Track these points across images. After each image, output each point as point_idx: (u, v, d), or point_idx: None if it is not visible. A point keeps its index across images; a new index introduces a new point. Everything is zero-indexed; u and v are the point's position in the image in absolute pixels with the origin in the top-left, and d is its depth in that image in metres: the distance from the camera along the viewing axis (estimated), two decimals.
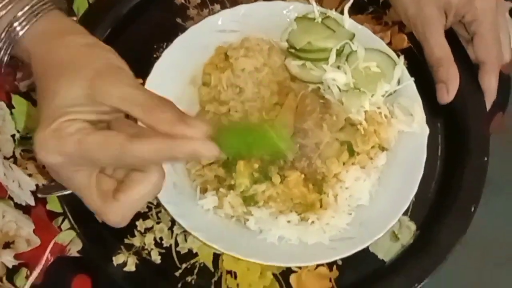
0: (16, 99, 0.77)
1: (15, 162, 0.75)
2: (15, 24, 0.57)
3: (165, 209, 0.68)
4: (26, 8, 0.57)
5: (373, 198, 0.72)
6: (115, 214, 0.54)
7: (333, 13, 0.78)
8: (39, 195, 0.72)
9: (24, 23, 0.57)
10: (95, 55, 0.55)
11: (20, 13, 0.57)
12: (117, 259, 0.69)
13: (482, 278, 1.47)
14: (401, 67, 0.75)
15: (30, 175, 0.74)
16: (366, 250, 0.72)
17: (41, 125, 0.52)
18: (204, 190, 0.70)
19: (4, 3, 0.57)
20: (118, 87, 0.52)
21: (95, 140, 0.51)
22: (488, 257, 1.47)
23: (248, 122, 0.69)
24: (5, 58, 0.59)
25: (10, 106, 0.77)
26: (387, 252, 0.73)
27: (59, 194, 0.66)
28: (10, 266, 0.73)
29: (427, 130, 0.73)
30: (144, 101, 0.51)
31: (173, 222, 0.72)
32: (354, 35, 0.75)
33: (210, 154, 0.51)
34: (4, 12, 0.57)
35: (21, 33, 0.57)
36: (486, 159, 0.76)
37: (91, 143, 0.51)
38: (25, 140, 0.76)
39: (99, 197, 0.54)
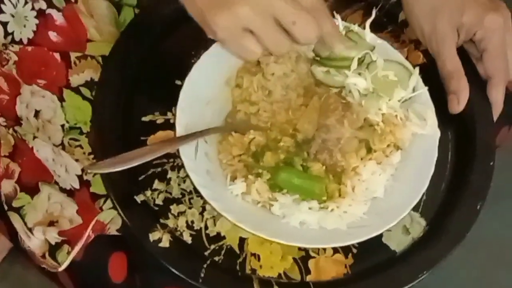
0: (67, 93, 0.84)
1: (63, 149, 0.82)
2: None
3: (199, 193, 0.75)
4: None
5: (388, 191, 0.78)
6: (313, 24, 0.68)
7: (355, 28, 0.85)
8: (89, 171, 0.79)
9: None
10: None
11: None
12: (153, 236, 0.75)
13: (486, 277, 1.52)
14: (416, 76, 0.82)
15: (77, 160, 0.81)
16: (379, 241, 0.78)
17: None
18: (234, 178, 0.76)
19: None
20: None
21: None
22: (492, 258, 1.52)
23: (308, 174, 0.77)
24: None
25: (61, 100, 0.84)
26: (398, 244, 0.78)
27: (106, 171, 0.73)
28: (53, 243, 0.80)
29: (438, 133, 0.80)
30: None
31: (204, 207, 0.78)
32: (374, 47, 0.83)
33: None
34: None
35: None
36: (492, 163, 0.82)
37: None
38: (73, 130, 0.84)
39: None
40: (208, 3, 0.67)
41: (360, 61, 0.82)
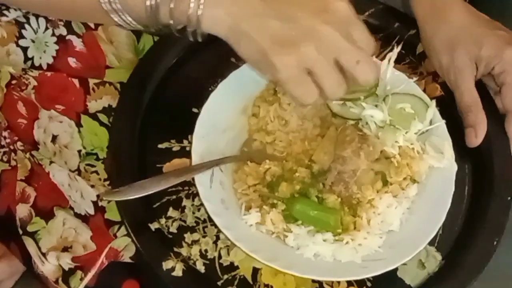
0: (84, 119, 0.85)
1: (79, 175, 0.83)
2: None
3: (213, 222, 0.74)
4: None
5: (403, 224, 0.77)
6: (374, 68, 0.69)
7: (373, 59, 0.85)
8: (104, 198, 0.79)
9: None
10: None
11: None
12: (167, 264, 0.75)
13: None
14: (433, 109, 0.82)
15: (92, 186, 0.82)
16: (394, 275, 0.77)
17: None
18: (248, 208, 0.76)
19: None
20: None
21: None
22: None
23: (323, 205, 0.77)
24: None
25: (79, 125, 0.85)
26: (414, 278, 0.78)
27: (121, 199, 0.73)
28: (67, 269, 0.80)
29: (455, 167, 0.79)
30: None
31: (218, 236, 0.78)
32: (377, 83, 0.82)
33: None
34: None
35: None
36: (509, 198, 0.81)
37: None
38: (90, 156, 0.84)
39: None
40: (271, 42, 0.66)
41: (370, 94, 0.82)
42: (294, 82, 0.68)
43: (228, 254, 0.78)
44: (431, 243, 0.77)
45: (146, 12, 0.67)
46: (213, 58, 0.89)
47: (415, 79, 0.85)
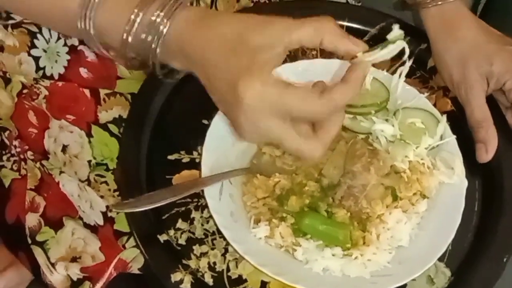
0: (95, 129, 0.85)
1: (89, 185, 0.83)
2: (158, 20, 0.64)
3: (222, 234, 0.74)
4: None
5: (413, 240, 0.77)
6: (318, 148, 0.65)
7: (384, 73, 0.85)
8: (113, 210, 0.79)
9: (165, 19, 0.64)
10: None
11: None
12: (175, 277, 0.75)
13: None
14: (443, 124, 0.81)
15: (102, 197, 0.82)
16: None
17: (249, 77, 0.60)
18: (257, 221, 0.76)
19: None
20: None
21: (296, 95, 0.62)
22: None
23: (333, 220, 0.77)
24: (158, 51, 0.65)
25: (89, 135, 0.85)
26: None
27: (130, 211, 0.73)
28: (75, 279, 0.80)
29: (466, 183, 0.79)
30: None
31: (226, 249, 0.78)
32: (388, 97, 0.83)
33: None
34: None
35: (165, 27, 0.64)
36: None
37: (291, 97, 0.61)
38: (99, 166, 0.84)
39: (299, 136, 0.64)
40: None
41: (380, 108, 0.82)
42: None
43: (237, 267, 0.77)
44: (440, 259, 0.77)
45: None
46: None
47: (426, 94, 0.85)
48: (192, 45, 0.64)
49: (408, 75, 0.86)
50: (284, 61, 0.87)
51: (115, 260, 0.78)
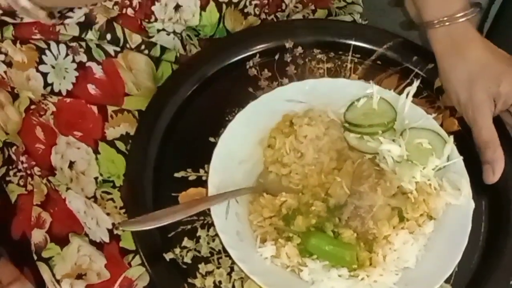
0: (102, 146, 0.85)
1: (95, 202, 0.83)
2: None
3: (228, 253, 0.74)
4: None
5: (419, 262, 0.76)
6: None
7: (391, 93, 0.86)
8: (120, 228, 0.79)
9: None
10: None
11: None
12: None
13: None
14: (450, 145, 0.81)
15: (108, 214, 0.82)
16: None
17: None
18: (263, 240, 0.76)
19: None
20: None
21: None
22: None
23: (339, 240, 0.76)
24: None
25: (96, 152, 0.85)
26: None
27: (137, 229, 0.73)
28: None
29: (473, 204, 0.79)
30: None
31: (232, 268, 0.78)
32: (395, 117, 0.83)
33: None
34: None
35: None
36: None
37: None
38: (106, 183, 0.84)
39: None
40: None
41: (388, 129, 0.82)
42: None
43: (242, 286, 0.77)
44: (446, 280, 0.76)
45: None
46: (231, 87, 0.90)
47: (434, 115, 0.85)
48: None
49: (415, 95, 0.86)
50: (291, 80, 0.90)
51: (121, 278, 0.78)
